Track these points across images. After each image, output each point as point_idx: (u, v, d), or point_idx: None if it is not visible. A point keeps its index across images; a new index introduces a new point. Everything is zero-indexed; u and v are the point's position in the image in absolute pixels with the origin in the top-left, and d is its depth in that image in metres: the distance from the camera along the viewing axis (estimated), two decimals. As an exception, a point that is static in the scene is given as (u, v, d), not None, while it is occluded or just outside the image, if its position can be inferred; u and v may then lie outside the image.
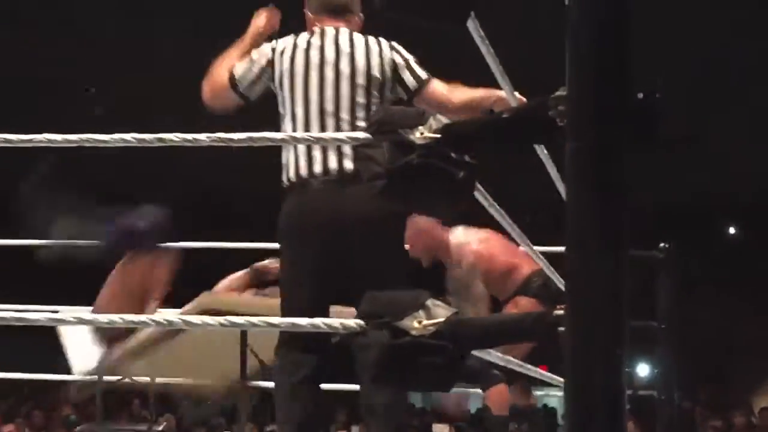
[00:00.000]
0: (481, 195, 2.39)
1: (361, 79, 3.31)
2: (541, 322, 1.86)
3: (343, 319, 4.25)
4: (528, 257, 4.53)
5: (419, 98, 3.39)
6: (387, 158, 2.06)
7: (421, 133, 2.05)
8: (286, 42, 3.39)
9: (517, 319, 1.95)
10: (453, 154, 2.09)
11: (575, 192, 1.75)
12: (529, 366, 3.48)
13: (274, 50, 3.32)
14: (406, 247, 4.05)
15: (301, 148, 3.06)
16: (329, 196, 3.13)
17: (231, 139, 2.21)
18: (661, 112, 1.76)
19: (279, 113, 3.34)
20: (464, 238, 4.63)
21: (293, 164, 3.15)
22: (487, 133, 2.09)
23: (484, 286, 4.81)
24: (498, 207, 2.68)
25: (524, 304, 4.83)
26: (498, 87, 2.66)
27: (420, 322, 2.02)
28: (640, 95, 1.77)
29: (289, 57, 3.28)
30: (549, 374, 3.74)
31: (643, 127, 1.75)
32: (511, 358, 3.18)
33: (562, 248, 1.77)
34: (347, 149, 3.05)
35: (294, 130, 3.16)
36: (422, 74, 3.46)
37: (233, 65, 3.37)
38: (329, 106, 3.21)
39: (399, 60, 3.42)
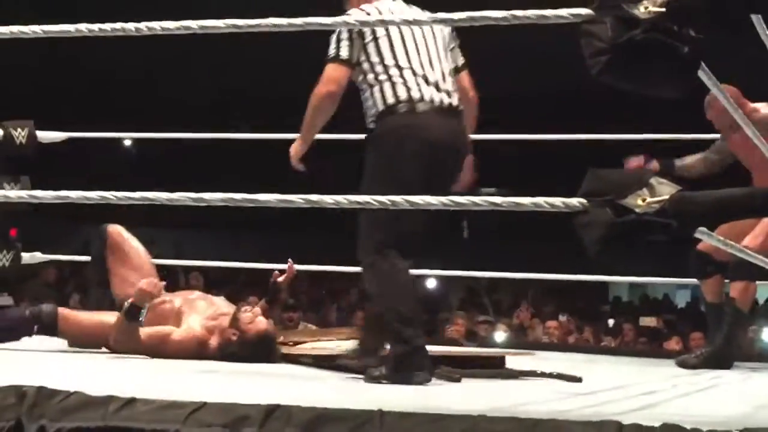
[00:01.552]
0: (705, 74, 2.33)
1: (445, 38, 3.31)
2: (773, 196, 1.83)
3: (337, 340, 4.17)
4: None
5: (456, 78, 3.35)
6: (610, 34, 2.04)
7: (646, 8, 2.01)
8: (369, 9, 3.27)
9: (747, 194, 1.91)
10: (677, 29, 2.05)
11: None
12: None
13: (360, 20, 3.19)
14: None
15: (407, 79, 3.11)
16: (438, 120, 3.19)
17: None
18: None
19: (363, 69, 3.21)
20: None
21: (394, 93, 3.16)
22: (713, 5, 2.04)
23: None
24: (720, 87, 2.62)
25: None
26: None
27: (644, 200, 2.02)
28: None
29: (380, 20, 3.20)
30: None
31: None
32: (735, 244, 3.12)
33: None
34: (450, 86, 3.24)
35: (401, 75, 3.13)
36: (462, 58, 3.43)
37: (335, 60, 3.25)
38: (434, 54, 3.20)
39: (454, 34, 3.39)
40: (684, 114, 4.79)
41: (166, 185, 2.59)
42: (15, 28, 2.53)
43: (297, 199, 2.37)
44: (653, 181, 2.05)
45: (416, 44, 3.28)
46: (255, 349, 3.63)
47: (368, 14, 3.22)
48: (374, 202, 2.32)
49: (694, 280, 4.82)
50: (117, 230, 4.24)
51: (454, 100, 3.28)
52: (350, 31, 3.20)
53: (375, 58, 3.24)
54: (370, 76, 3.24)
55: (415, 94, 3.21)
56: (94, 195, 2.38)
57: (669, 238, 2.05)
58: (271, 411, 1.92)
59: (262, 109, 12.25)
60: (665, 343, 9.46)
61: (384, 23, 3.19)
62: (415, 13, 3.26)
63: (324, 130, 3.37)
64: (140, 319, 3.65)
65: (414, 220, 3.05)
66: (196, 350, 3.69)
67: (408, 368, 2.99)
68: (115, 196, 2.34)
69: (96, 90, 15.06)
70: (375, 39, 3.23)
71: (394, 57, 3.24)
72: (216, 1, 6.10)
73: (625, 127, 5.27)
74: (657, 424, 1.85)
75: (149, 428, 1.93)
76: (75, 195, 2.41)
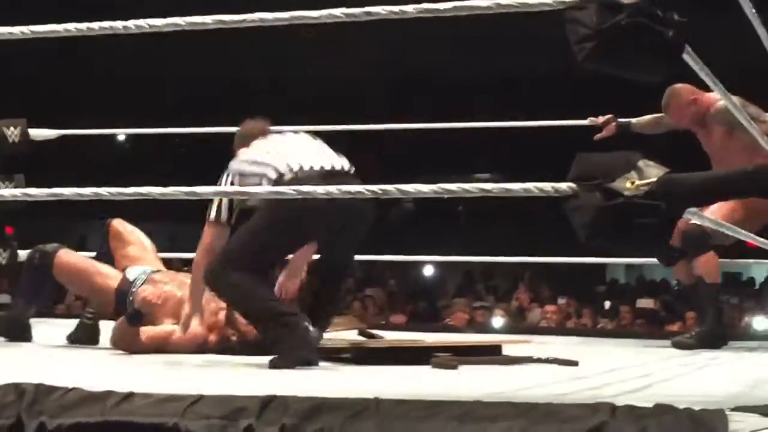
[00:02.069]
0: (690, 57, 2.34)
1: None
2: (761, 175, 1.84)
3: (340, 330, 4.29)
4: None
5: None
6: (595, 20, 2.05)
7: (629, -8, 2.02)
8: None
9: (732, 174, 1.93)
10: (661, 13, 2.06)
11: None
12: (744, 231, 3.42)
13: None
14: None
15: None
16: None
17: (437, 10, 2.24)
18: None
19: None
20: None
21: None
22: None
23: None
24: (708, 69, 2.63)
25: None
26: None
27: (632, 183, 2.03)
28: None
29: None
30: (764, 240, 3.67)
31: None
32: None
33: None
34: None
35: None
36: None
37: None
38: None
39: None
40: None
41: (161, 180, 2.60)
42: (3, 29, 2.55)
43: (289, 190, 2.38)
44: (641, 163, 2.07)
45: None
46: (254, 349, 3.65)
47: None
48: (366, 192, 2.34)
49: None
50: (118, 222, 4.30)
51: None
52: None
53: None
54: None
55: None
56: (88, 191, 2.40)
57: (658, 220, 2.06)
58: (268, 402, 1.93)
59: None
60: (667, 326, 9.47)
61: None
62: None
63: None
64: (141, 324, 3.68)
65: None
66: (196, 348, 3.71)
67: (292, 349, 3.14)
68: (109, 192, 2.36)
69: (89, 87, 15.08)
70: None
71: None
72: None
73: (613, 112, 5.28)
74: (650, 405, 1.86)
75: (148, 422, 1.93)
76: (68, 192, 2.42)
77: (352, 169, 3.56)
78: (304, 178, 3.36)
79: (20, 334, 4.16)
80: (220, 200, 3.58)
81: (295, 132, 3.78)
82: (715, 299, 4.63)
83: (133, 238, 4.30)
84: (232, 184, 3.52)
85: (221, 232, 3.57)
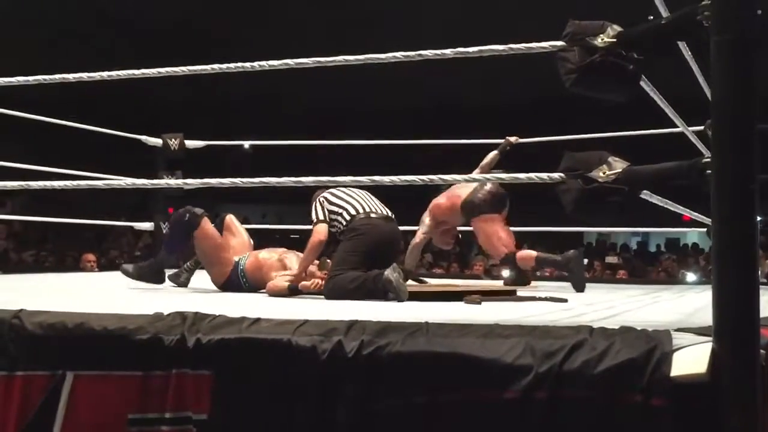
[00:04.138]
0: (645, 84, 2.32)
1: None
2: (694, 167, 1.82)
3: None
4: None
5: None
6: (577, 58, 2.04)
7: (602, 39, 2.01)
8: None
9: (676, 166, 1.91)
10: (625, 53, 2.04)
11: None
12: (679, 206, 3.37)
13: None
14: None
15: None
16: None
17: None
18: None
19: None
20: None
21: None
22: (650, 35, 2.03)
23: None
24: (657, 92, 2.60)
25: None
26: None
27: (604, 173, 2.02)
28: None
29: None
30: (697, 213, 3.61)
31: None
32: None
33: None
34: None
35: None
36: None
37: None
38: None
39: None
40: (631, 114, 4.75)
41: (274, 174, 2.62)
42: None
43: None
44: (610, 159, 2.06)
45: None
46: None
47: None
48: (418, 180, 2.34)
49: (644, 229, 4.80)
50: (231, 217, 4.20)
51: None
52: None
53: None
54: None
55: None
56: (227, 181, 2.42)
57: (622, 199, 2.05)
58: (352, 324, 1.95)
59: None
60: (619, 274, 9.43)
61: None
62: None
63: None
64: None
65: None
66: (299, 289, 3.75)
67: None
68: (242, 181, 2.38)
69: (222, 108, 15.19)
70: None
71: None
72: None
73: (592, 128, 5.24)
74: (617, 327, 1.86)
75: (270, 338, 1.96)
76: (214, 182, 2.45)
77: (392, 214, 3.86)
78: (365, 218, 3.74)
79: (159, 278, 4.05)
80: (319, 207, 3.81)
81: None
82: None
83: (241, 230, 4.19)
84: (320, 203, 3.83)
85: (323, 227, 3.76)
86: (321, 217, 3.79)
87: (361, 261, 3.62)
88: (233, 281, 3.94)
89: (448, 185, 4.72)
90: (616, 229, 5.44)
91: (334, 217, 3.80)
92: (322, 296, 3.56)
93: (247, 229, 4.31)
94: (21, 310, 2.16)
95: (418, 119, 13.58)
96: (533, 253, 4.64)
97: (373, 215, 3.77)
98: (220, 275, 3.96)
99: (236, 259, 3.97)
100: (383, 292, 3.36)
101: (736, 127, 1.66)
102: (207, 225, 4.01)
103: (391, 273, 3.36)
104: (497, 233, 4.72)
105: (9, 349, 2.10)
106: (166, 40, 13.04)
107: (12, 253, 10.80)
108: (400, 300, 3.30)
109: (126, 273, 4.13)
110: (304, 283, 3.67)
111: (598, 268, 10.66)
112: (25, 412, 2.03)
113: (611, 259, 12.06)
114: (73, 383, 2.02)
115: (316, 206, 3.84)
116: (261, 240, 4.78)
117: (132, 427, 1.97)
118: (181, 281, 4.13)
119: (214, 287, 4.01)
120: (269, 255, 3.98)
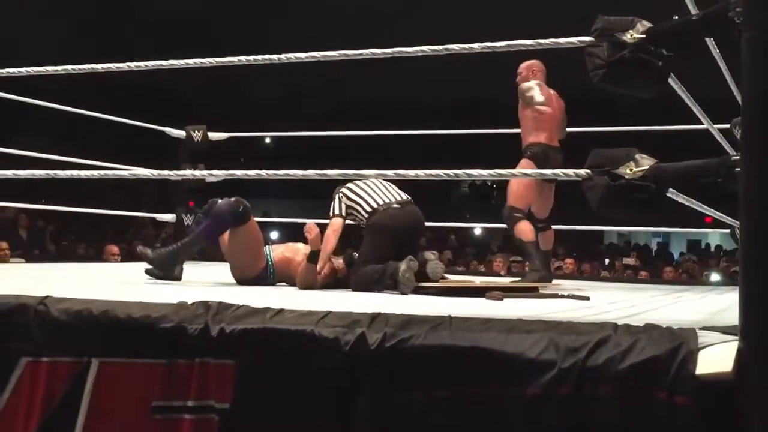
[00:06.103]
0: (673, 81, 2.30)
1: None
2: (723, 165, 1.81)
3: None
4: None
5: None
6: (606, 54, 2.03)
7: (631, 35, 2.00)
8: None
9: (704, 164, 1.89)
10: (654, 49, 2.03)
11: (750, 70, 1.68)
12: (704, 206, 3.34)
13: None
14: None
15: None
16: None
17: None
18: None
19: None
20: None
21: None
22: (679, 32, 2.01)
23: None
24: (685, 90, 2.58)
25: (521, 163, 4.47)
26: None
27: (631, 170, 2.01)
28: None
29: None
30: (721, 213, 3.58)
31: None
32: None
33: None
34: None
35: None
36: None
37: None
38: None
39: None
40: (658, 113, 4.72)
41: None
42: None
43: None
44: (638, 156, 2.04)
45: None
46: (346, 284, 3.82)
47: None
48: (443, 175, 2.34)
49: (665, 229, 4.76)
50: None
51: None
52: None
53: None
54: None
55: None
56: (252, 173, 2.43)
57: (648, 197, 2.04)
58: (375, 317, 1.95)
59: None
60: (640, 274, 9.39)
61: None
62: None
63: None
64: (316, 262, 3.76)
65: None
66: (322, 279, 3.84)
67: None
68: (267, 174, 2.40)
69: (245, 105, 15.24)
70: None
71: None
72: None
73: (619, 123, 5.22)
74: (642, 324, 1.85)
75: (293, 329, 1.96)
76: (239, 173, 2.46)
77: (408, 198, 3.95)
78: (383, 211, 3.84)
79: (170, 271, 3.86)
80: (337, 202, 3.95)
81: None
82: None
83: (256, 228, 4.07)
84: (339, 198, 3.95)
85: (338, 220, 3.90)
86: (338, 212, 3.95)
87: (384, 253, 3.73)
88: (261, 275, 3.95)
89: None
90: (636, 229, 5.38)
91: (352, 211, 3.95)
92: (348, 288, 3.72)
93: (269, 224, 4.33)
94: (47, 297, 2.18)
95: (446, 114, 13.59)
96: (531, 235, 4.38)
97: (391, 206, 3.88)
98: (253, 270, 3.93)
99: (268, 255, 3.99)
100: (396, 283, 3.52)
101: (766, 124, 1.65)
102: (253, 221, 3.98)
103: (403, 265, 3.50)
104: (530, 186, 4.42)
105: (35, 335, 2.11)
106: (185, 35, 13.07)
107: (35, 243, 10.89)
108: (402, 293, 3.43)
109: (144, 256, 4.03)
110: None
111: (619, 267, 10.61)
112: (51, 397, 2.05)
113: (629, 261, 11.99)
114: (99, 370, 2.03)
115: (335, 201, 3.98)
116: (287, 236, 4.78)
117: (156, 414, 1.98)
118: (175, 275, 3.94)
119: (232, 280, 3.97)
120: (295, 249, 4.00)
